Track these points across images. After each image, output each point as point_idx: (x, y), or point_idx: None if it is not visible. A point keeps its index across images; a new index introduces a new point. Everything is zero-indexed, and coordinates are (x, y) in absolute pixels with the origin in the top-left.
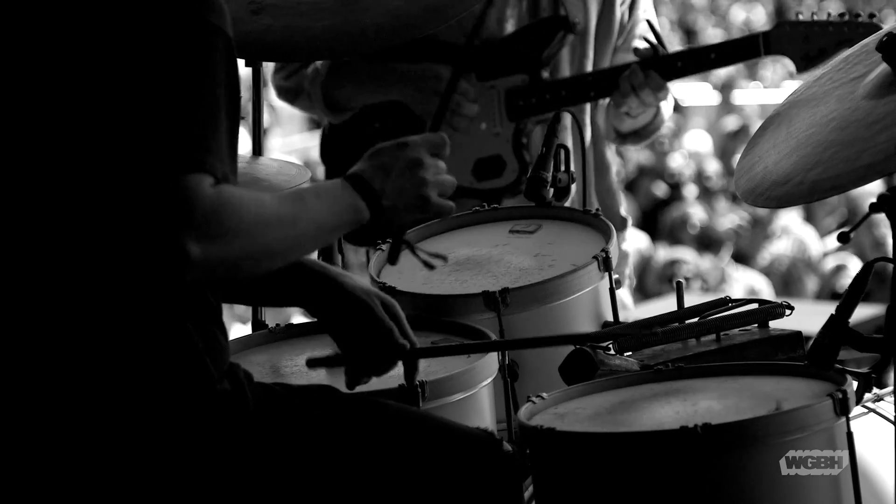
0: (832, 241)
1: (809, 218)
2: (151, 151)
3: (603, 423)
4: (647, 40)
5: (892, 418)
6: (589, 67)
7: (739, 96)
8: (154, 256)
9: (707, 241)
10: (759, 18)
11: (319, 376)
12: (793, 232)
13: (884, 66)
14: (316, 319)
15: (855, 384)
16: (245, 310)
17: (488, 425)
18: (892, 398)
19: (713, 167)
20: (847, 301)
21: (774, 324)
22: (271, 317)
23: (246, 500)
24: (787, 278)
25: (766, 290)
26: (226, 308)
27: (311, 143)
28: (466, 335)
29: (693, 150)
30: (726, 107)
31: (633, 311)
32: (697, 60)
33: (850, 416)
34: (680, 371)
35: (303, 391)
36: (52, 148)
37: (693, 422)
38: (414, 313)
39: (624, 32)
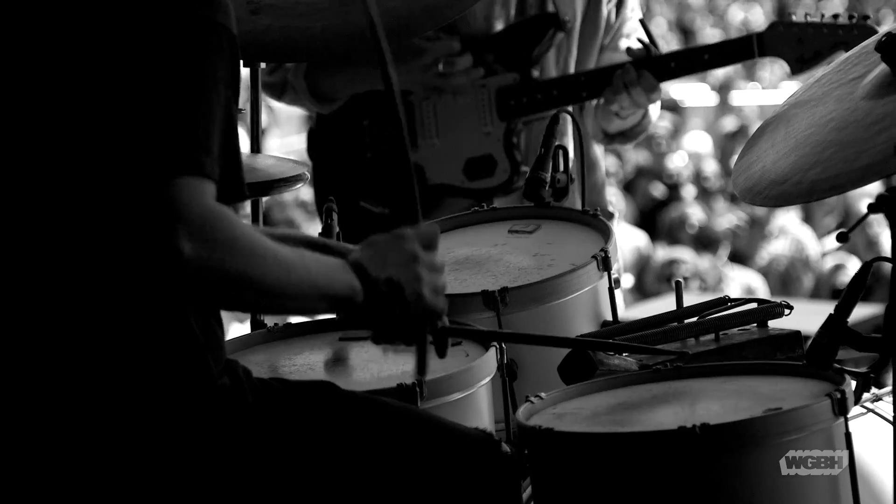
0: (831, 241)
1: (808, 218)
2: (149, 150)
3: (601, 424)
4: (640, 40)
5: (891, 418)
6: (573, 65)
7: (738, 97)
8: (148, 250)
9: (706, 241)
10: (758, 18)
11: (317, 376)
12: (790, 232)
13: (883, 67)
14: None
15: (853, 384)
16: None
17: (486, 425)
18: (891, 398)
19: (711, 168)
20: (846, 301)
21: (773, 323)
22: (270, 316)
23: (244, 493)
24: (786, 278)
25: (761, 289)
26: None
27: None
28: (465, 335)
29: (691, 150)
30: (724, 107)
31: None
32: (691, 61)
33: (849, 416)
34: (679, 371)
35: (301, 387)
36: (53, 141)
37: (691, 422)
38: None
39: (611, 31)
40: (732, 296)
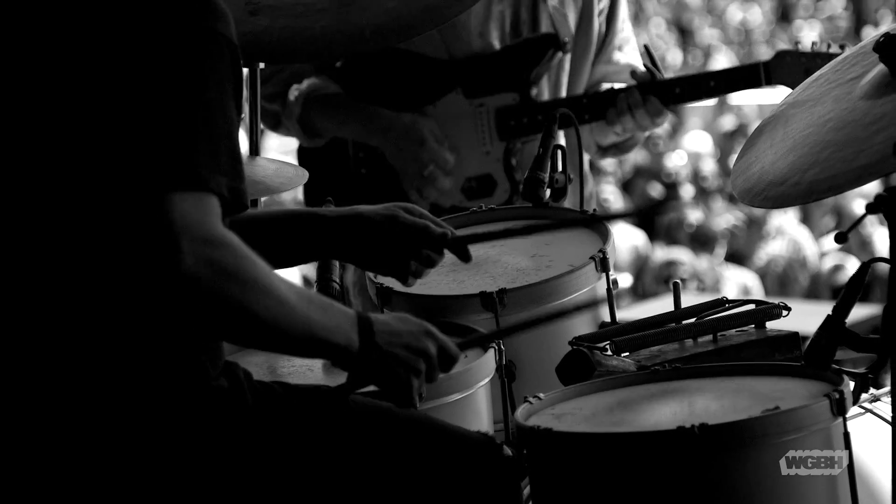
0: (828, 242)
1: (805, 219)
2: (149, 161)
3: (600, 424)
4: (645, 65)
5: (889, 419)
6: (566, 80)
7: (736, 97)
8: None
9: (703, 241)
10: (756, 19)
11: (316, 377)
12: (788, 232)
13: (881, 67)
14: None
15: (852, 384)
16: None
17: (485, 426)
18: (889, 398)
19: (709, 167)
20: (844, 301)
21: (771, 324)
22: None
23: (243, 495)
24: (784, 279)
25: (757, 290)
26: None
27: None
28: (464, 336)
29: (690, 150)
30: (723, 107)
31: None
32: (696, 87)
33: (847, 416)
34: (677, 371)
35: (301, 390)
36: (55, 146)
37: (690, 422)
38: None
39: (603, 44)
40: (730, 296)
